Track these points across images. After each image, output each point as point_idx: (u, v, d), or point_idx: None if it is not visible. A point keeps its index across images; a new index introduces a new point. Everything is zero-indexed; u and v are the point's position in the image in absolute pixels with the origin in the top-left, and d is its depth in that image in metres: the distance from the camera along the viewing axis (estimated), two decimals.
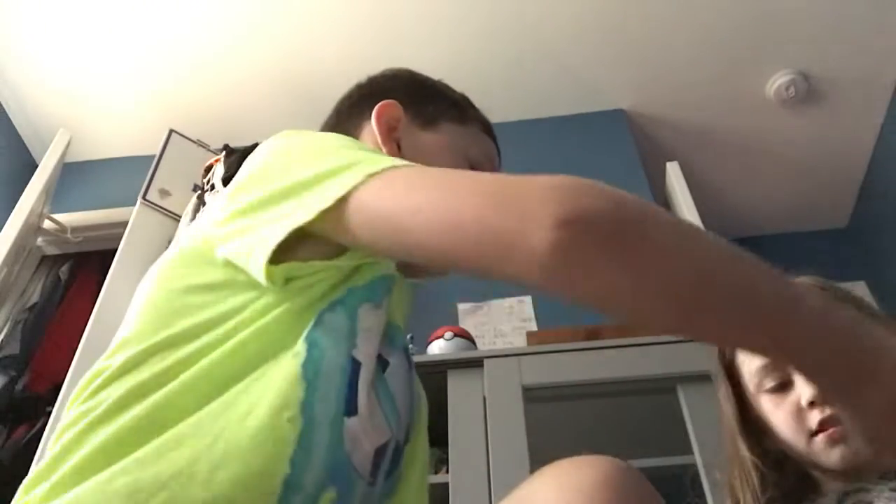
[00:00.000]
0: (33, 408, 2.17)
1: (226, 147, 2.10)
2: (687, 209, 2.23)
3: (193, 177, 2.21)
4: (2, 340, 2.27)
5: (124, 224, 2.17)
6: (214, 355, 0.55)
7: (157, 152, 2.32)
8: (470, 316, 2.07)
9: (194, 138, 2.40)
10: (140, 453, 0.50)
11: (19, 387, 2.22)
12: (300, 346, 0.56)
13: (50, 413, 1.78)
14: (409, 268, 0.74)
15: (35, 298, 2.39)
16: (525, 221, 0.46)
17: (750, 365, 0.89)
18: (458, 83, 0.85)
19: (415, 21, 2.42)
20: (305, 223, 0.54)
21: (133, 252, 2.10)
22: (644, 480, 0.56)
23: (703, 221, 2.18)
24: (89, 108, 2.64)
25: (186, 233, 0.67)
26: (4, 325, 2.33)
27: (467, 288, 2.13)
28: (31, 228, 2.36)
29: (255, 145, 2.35)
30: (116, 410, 0.53)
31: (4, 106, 2.62)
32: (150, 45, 2.51)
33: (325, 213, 0.53)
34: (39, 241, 2.51)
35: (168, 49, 2.51)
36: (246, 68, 2.56)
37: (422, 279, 0.78)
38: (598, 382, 1.57)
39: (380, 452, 0.60)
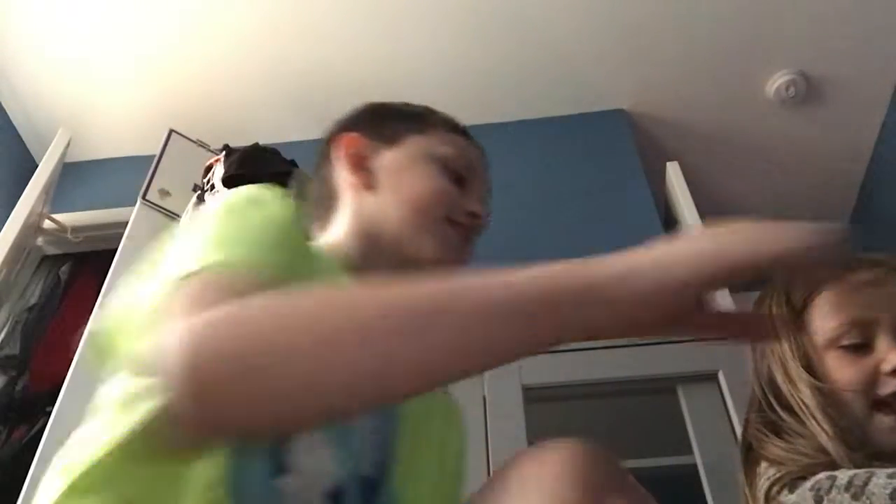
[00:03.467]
0: (33, 408, 2.17)
1: (226, 147, 2.10)
2: (687, 209, 2.23)
3: (193, 177, 2.21)
4: (2, 340, 2.27)
5: (124, 224, 2.17)
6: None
7: (157, 152, 2.32)
8: None
9: (194, 138, 2.40)
10: None
11: (19, 387, 2.22)
12: None
13: (50, 413, 1.78)
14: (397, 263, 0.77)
15: (35, 298, 2.39)
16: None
17: (830, 319, 0.88)
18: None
19: (415, 21, 2.42)
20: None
21: (133, 252, 2.10)
22: (616, 462, 0.56)
23: (703, 221, 2.17)
24: (89, 108, 2.64)
25: None
26: (4, 325, 2.32)
27: None
28: (31, 228, 2.36)
29: (256, 145, 2.33)
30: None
31: (4, 106, 2.62)
32: (151, 46, 2.50)
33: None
34: (39, 241, 2.50)
35: (168, 49, 2.51)
36: (246, 68, 2.56)
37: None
38: (598, 382, 1.57)
39: (334, 495, 0.59)
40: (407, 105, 0.93)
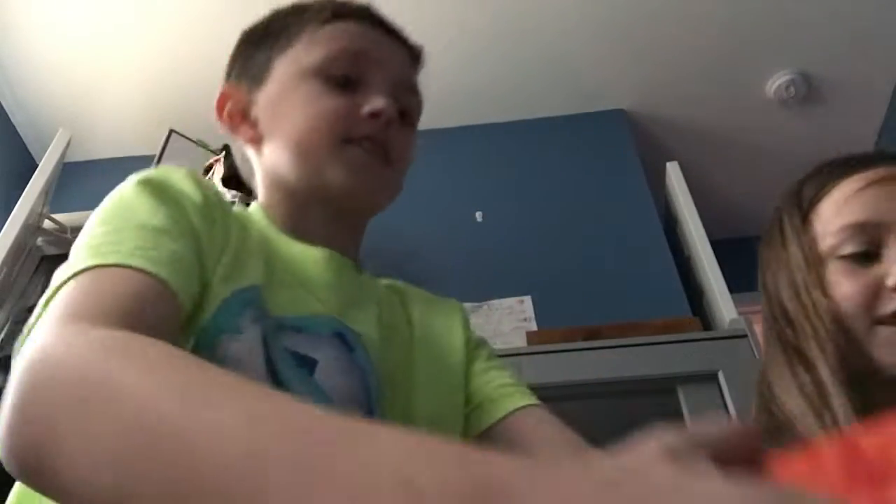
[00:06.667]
0: None
1: (226, 147, 2.10)
2: (687, 209, 2.23)
3: None
4: (2, 340, 2.27)
5: None
6: None
7: (157, 152, 2.32)
8: (470, 316, 2.07)
9: (194, 138, 2.40)
10: None
11: None
12: None
13: None
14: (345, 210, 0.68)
15: (35, 299, 2.38)
16: None
17: (834, 221, 0.72)
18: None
19: (415, 22, 2.41)
20: None
21: None
22: None
23: (704, 221, 2.18)
24: (89, 108, 2.64)
25: None
26: (4, 325, 2.32)
27: (467, 288, 2.13)
28: (31, 228, 2.36)
29: None
30: None
31: (4, 106, 2.62)
32: (151, 45, 2.50)
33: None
34: (39, 241, 2.50)
35: (168, 49, 2.51)
36: None
37: (366, 215, 0.72)
38: (598, 382, 1.57)
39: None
40: (273, 18, 0.77)
